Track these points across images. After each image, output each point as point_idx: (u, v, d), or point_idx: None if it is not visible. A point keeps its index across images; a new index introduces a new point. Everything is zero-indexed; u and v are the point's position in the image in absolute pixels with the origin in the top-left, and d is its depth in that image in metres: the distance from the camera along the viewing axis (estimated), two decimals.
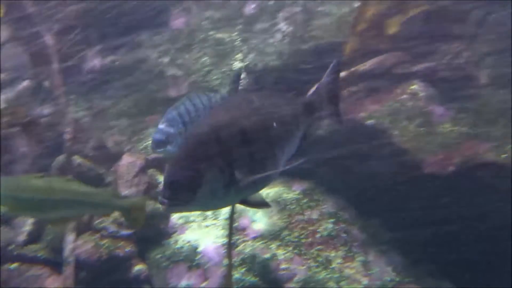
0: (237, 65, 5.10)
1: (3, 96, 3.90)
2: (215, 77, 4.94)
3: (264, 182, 1.68)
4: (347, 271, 3.51)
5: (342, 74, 3.65)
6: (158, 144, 2.63)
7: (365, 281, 3.44)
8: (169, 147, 2.62)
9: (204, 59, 5.13)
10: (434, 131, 3.28)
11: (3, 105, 3.73)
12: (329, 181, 4.06)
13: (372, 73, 3.38)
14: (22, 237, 3.20)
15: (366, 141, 3.42)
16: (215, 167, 1.45)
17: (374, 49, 3.47)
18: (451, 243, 3.30)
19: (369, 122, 3.42)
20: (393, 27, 3.52)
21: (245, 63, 5.06)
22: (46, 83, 4.16)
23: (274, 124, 1.66)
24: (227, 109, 1.64)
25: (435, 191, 3.28)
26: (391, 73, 3.43)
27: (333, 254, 3.63)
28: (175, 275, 3.56)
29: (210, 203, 1.52)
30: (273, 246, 3.76)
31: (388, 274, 3.52)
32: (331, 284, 3.42)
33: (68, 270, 3.09)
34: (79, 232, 3.32)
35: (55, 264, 3.18)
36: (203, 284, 3.54)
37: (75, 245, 3.20)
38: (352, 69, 3.48)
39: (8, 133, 3.57)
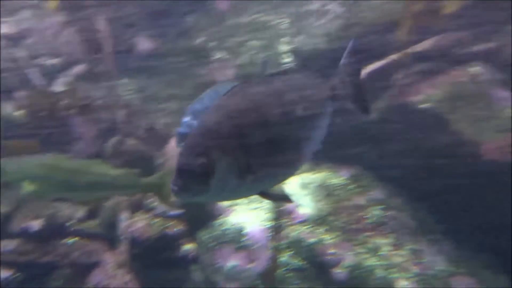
0: (284, 47, 5.05)
1: (60, 80, 4.08)
2: (261, 60, 4.91)
3: (285, 173, 1.57)
4: (396, 259, 3.43)
5: (394, 56, 3.52)
6: (182, 137, 2.47)
7: (415, 270, 3.35)
8: None
9: (251, 42, 5.12)
10: (496, 116, 3.09)
11: (61, 89, 3.91)
12: (378, 167, 3.96)
13: (428, 54, 3.22)
14: (80, 213, 3.37)
15: (420, 126, 3.28)
16: (228, 155, 1.36)
17: (430, 29, 3.29)
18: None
19: (425, 106, 3.28)
20: (451, 6, 3.33)
21: (293, 46, 5.00)
22: (100, 67, 4.30)
23: (297, 110, 1.54)
24: (244, 93, 1.50)
25: (494, 178, 3.11)
26: (450, 54, 3.25)
27: (381, 241, 3.56)
28: (222, 255, 3.63)
29: (224, 193, 1.41)
30: (320, 230, 3.74)
31: (440, 264, 3.40)
32: (379, 271, 3.35)
33: (123, 247, 3.22)
34: (133, 210, 3.44)
35: (110, 240, 3.32)
36: (250, 266, 3.58)
37: (129, 223, 3.33)
38: (406, 50, 3.33)
39: (66, 115, 3.74)
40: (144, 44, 4.96)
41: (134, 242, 3.28)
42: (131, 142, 3.84)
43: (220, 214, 3.92)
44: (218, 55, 4.90)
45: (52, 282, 3.00)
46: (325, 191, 4.10)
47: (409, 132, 3.37)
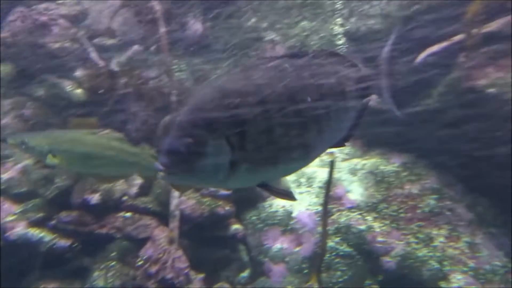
0: (337, 29, 4.89)
1: (115, 60, 4.19)
2: (313, 42, 4.80)
3: (288, 167, 1.37)
4: (451, 251, 3.29)
5: (459, 36, 3.30)
6: None
7: (471, 263, 3.20)
8: None
9: (303, 23, 5.01)
10: None
11: (117, 68, 4.01)
12: (433, 155, 3.79)
13: (498, 35, 2.98)
14: (134, 190, 3.48)
15: (484, 112, 3.08)
16: (220, 137, 1.22)
17: (502, 8, 3.05)
18: None
19: (490, 90, 3.06)
20: None
21: (346, 27, 4.84)
22: (154, 47, 4.37)
23: (308, 98, 1.31)
24: (248, 72, 1.32)
25: None
26: None
27: (435, 231, 3.42)
28: (269, 237, 3.64)
29: (214, 179, 1.27)
30: (369, 218, 3.65)
31: (498, 259, 3.23)
32: (432, 262, 3.23)
33: (174, 223, 3.30)
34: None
35: (162, 216, 3.42)
36: (297, 249, 3.57)
37: (180, 200, 3.40)
38: (474, 30, 3.10)
39: (122, 94, 3.85)
40: (196, 24, 4.98)
41: (185, 220, 3.35)
42: None
43: (268, 196, 3.92)
44: (269, 36, 4.84)
45: (107, 253, 3.14)
46: (376, 178, 3.98)
47: (471, 118, 3.18)
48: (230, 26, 4.89)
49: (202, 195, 3.53)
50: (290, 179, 4.10)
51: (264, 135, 1.27)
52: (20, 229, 2.98)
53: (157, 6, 4.34)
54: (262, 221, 3.73)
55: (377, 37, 4.20)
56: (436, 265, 3.22)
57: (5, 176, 3.17)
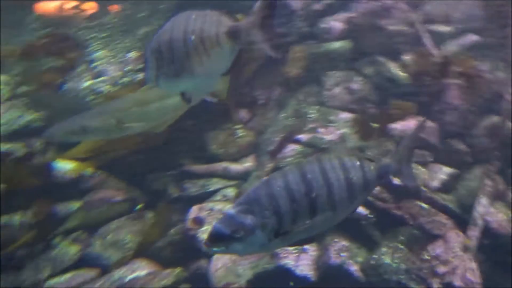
0: None
1: (449, 48, 4.00)
2: None
3: (186, 81, 2.06)
4: None
5: None
6: (215, 237, 1.76)
7: None
8: (236, 245, 1.73)
9: None
10: None
11: (446, 56, 3.81)
12: None
13: None
14: (435, 183, 3.35)
15: None
16: (152, 56, 2.06)
17: None
18: None
19: None
20: None
21: None
22: (492, 39, 3.96)
23: (192, 37, 1.96)
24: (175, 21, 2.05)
25: None
26: None
27: None
28: None
29: (154, 82, 2.10)
30: None
31: None
32: None
33: (473, 232, 3.02)
34: (493, 199, 3.15)
35: (460, 220, 3.18)
36: None
37: (487, 210, 3.07)
38: None
39: (447, 84, 3.69)
40: None
41: (487, 233, 3.01)
42: (508, 126, 3.45)
43: None
44: None
45: (397, 234, 3.18)
46: None
47: None
48: None
49: None
50: None
51: (169, 58, 2.01)
52: None
53: None
54: None
55: None
56: None
57: (328, 137, 3.64)
